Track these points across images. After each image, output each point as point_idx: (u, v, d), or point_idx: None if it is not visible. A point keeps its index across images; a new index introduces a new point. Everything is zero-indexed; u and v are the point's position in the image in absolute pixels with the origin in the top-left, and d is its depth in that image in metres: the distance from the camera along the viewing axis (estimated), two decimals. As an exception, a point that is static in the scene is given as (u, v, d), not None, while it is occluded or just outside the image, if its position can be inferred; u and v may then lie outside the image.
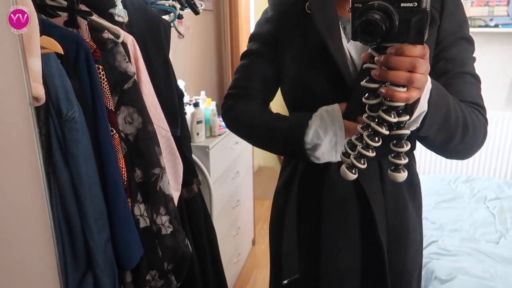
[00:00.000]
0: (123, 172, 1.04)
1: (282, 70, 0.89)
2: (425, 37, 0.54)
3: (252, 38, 0.95)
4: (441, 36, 0.80)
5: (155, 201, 1.12)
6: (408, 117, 0.59)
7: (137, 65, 1.15)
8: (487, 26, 2.54)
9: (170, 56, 1.34)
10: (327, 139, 0.78)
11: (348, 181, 0.66)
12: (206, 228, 1.67)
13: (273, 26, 0.89)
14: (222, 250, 1.83)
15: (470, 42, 0.83)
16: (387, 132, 0.59)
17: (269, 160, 4.17)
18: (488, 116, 0.81)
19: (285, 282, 0.89)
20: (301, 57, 0.84)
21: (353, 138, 0.63)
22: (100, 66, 0.98)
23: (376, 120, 0.59)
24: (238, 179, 2.19)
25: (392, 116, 0.57)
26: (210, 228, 1.70)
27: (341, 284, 0.87)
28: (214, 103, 1.93)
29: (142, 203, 1.09)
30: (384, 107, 0.58)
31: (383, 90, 0.56)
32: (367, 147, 0.60)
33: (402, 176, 0.62)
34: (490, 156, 2.76)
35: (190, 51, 2.27)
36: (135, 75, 1.06)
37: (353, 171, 0.61)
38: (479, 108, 0.78)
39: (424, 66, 0.55)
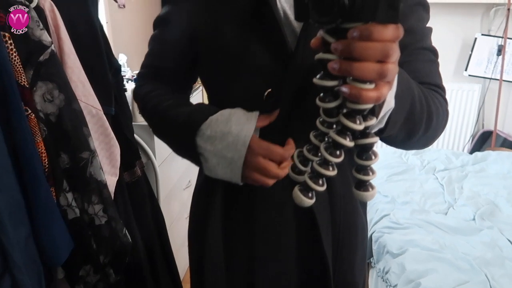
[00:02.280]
0: (43, 158, 0.91)
1: (204, 41, 0.70)
2: (399, 12, 0.37)
3: (165, 1, 0.76)
4: None
5: (85, 188, 1.00)
6: (375, 119, 0.43)
7: (58, 34, 1.00)
8: (436, -3, 2.54)
9: (109, 28, 1.19)
10: (223, 149, 0.61)
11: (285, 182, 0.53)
12: (153, 212, 1.56)
13: None
14: (173, 233, 1.73)
15: (425, 8, 0.70)
16: (351, 144, 0.42)
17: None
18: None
19: None
20: (229, 24, 0.67)
21: (305, 149, 0.47)
22: (7, 34, 0.83)
23: (335, 127, 0.43)
24: (188, 158, 2.09)
25: (358, 122, 0.41)
26: (157, 212, 1.60)
27: None
28: (158, 78, 1.79)
29: (70, 191, 0.97)
30: (345, 111, 0.42)
31: (345, 89, 0.39)
32: (325, 163, 0.43)
33: (372, 194, 0.45)
34: (439, 128, 2.84)
35: (132, 23, 2.09)
36: (53, 45, 0.92)
37: (310, 194, 0.44)
38: (440, 90, 0.66)
39: (397, 52, 0.40)
